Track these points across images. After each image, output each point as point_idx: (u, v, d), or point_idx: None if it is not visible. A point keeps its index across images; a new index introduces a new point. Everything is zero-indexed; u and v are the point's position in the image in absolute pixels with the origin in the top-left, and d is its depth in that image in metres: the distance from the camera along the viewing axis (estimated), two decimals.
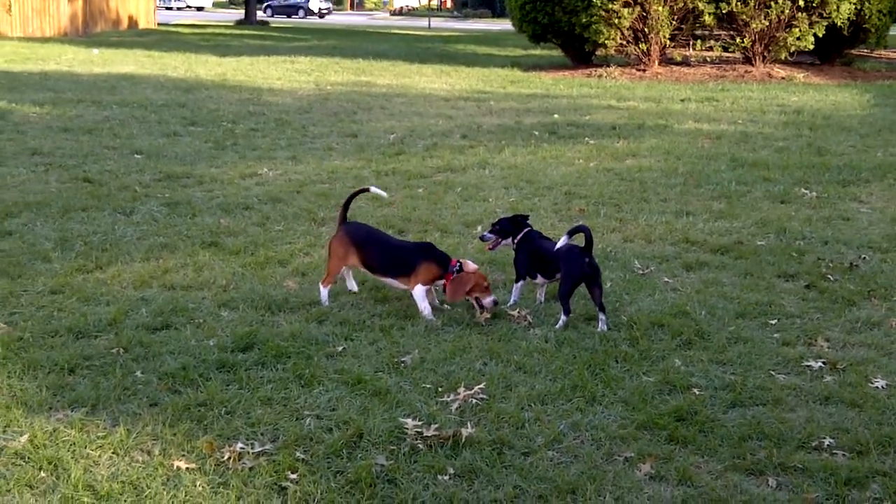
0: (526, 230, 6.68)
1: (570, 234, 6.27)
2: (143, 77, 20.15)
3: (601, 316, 6.21)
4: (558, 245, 6.26)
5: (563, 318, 6.20)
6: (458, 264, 6.36)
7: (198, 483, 4.21)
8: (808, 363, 5.65)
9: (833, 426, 4.87)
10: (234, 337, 5.81)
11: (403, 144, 12.67)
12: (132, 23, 42.13)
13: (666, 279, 7.19)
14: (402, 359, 5.59)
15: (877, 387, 5.33)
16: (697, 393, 5.23)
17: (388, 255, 6.46)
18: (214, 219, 8.66)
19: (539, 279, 6.60)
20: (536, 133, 13.71)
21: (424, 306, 6.32)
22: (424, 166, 11.20)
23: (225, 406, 4.93)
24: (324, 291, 6.53)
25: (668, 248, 8.00)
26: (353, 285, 6.84)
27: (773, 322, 6.33)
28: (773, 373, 5.53)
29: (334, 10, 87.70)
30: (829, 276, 7.24)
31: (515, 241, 6.68)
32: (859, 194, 9.95)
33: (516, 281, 6.66)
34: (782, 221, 8.78)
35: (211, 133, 13.24)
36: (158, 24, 45.25)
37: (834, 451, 4.61)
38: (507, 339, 5.94)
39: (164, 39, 32.69)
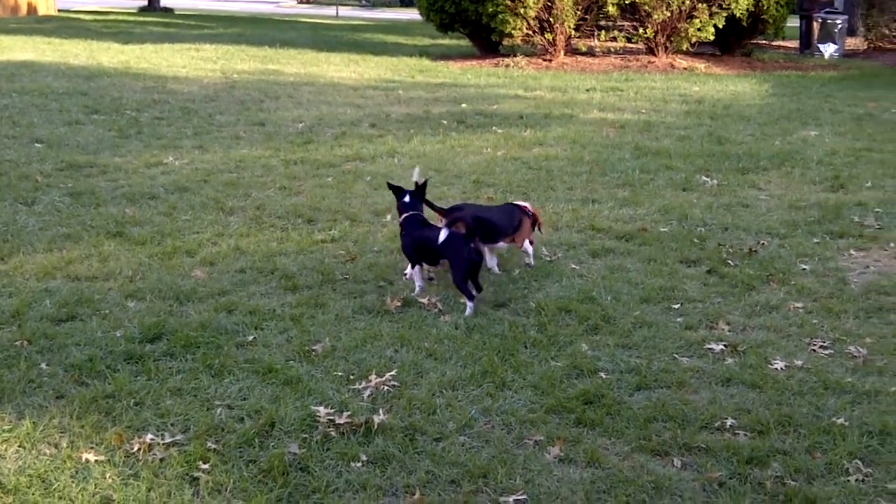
0: (409, 213, 6.74)
1: (449, 224, 6.42)
2: (44, 65, 19.72)
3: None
4: (440, 238, 6.33)
5: (468, 304, 6.28)
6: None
7: (107, 475, 4.19)
8: (710, 346, 5.80)
9: (735, 407, 5.02)
10: (141, 328, 5.77)
11: (312, 133, 12.62)
12: (31, 9, 41.13)
13: (573, 266, 7.30)
14: (313, 347, 5.61)
15: (776, 368, 5.50)
16: (604, 377, 5.34)
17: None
18: (119, 208, 8.55)
19: (426, 266, 6.71)
20: (445, 122, 13.77)
21: None
22: (333, 155, 11.18)
23: (133, 397, 4.91)
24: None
25: (575, 236, 8.11)
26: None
27: (676, 306, 6.47)
28: (676, 356, 5.67)
29: None
30: (730, 262, 7.42)
31: (400, 220, 6.78)
32: (758, 181, 10.19)
33: (412, 267, 6.73)
34: (684, 208, 8.96)
35: (114, 121, 13.03)
36: (59, 11, 44.26)
37: (736, 431, 4.75)
38: (417, 327, 5.99)
39: (64, 26, 31.97)
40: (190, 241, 7.65)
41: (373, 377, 5.19)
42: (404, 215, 6.77)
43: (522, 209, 7.14)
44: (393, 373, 5.26)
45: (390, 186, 6.95)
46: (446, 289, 6.65)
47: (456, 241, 6.33)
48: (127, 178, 9.75)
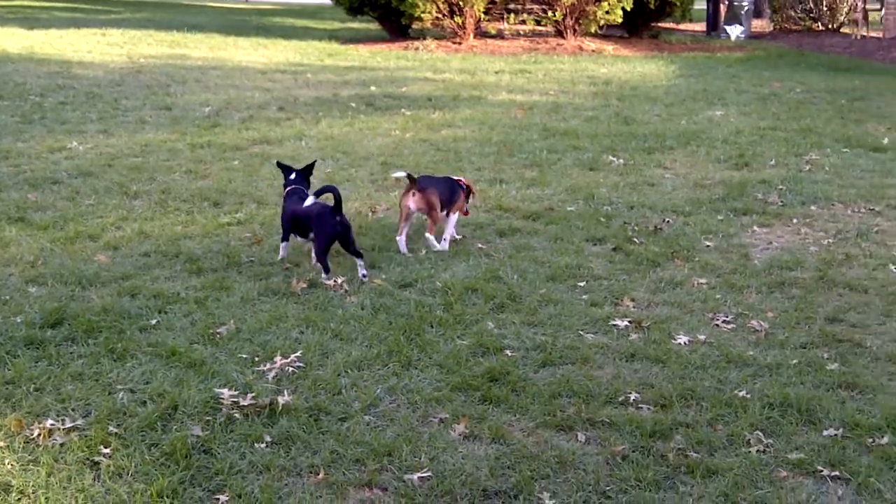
0: (291, 187, 6.98)
1: (318, 194, 6.62)
2: None
3: (359, 262, 6.55)
4: (305, 204, 6.55)
5: (323, 276, 6.42)
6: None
7: (6, 461, 4.11)
8: (615, 322, 5.86)
9: (638, 382, 5.08)
10: (42, 313, 5.66)
11: (219, 117, 12.48)
12: None
13: (480, 245, 7.33)
14: (218, 330, 5.55)
15: (679, 343, 5.58)
16: (510, 354, 5.37)
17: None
18: (21, 194, 8.38)
19: (299, 239, 6.85)
20: (353, 105, 13.71)
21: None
22: (240, 139, 11.08)
23: (34, 383, 4.82)
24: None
25: (483, 216, 8.15)
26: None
27: (582, 284, 6.53)
28: (581, 332, 5.72)
29: None
30: (635, 239, 7.51)
31: (283, 194, 7.08)
32: (664, 161, 10.32)
33: (282, 239, 6.88)
34: (591, 188, 9.04)
35: (17, 107, 12.76)
36: None
37: (639, 406, 4.81)
38: (323, 308, 5.97)
39: None
40: (93, 225, 7.53)
41: (278, 359, 5.15)
42: (287, 189, 6.99)
43: (458, 181, 7.51)
44: (298, 354, 5.23)
45: (279, 165, 7.33)
46: (351, 270, 6.62)
47: (323, 215, 6.49)
48: (29, 163, 9.56)
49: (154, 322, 5.65)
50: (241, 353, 5.27)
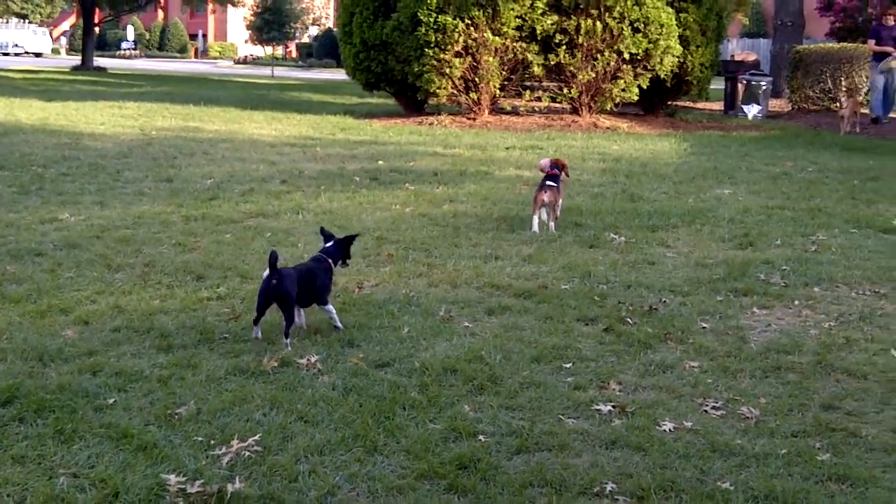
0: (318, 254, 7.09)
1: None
2: None
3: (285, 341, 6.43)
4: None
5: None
6: None
7: None
8: (598, 407, 5.57)
9: (617, 471, 4.78)
10: None
11: (219, 189, 12.34)
12: None
13: (466, 324, 7.07)
14: (177, 410, 5.29)
15: (664, 430, 5.28)
16: (483, 440, 5.08)
17: None
18: (0, 265, 8.19)
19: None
20: (357, 179, 13.56)
21: None
22: (237, 211, 10.90)
23: None
24: None
25: (473, 293, 7.89)
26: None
27: (568, 366, 6.25)
28: (562, 417, 5.43)
29: (180, 58, 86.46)
30: (629, 320, 7.23)
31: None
32: (667, 239, 10.06)
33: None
34: (588, 266, 8.78)
35: (17, 177, 12.67)
36: None
37: (616, 497, 4.52)
38: (292, 388, 5.70)
39: None
40: (68, 298, 7.30)
41: (235, 442, 4.88)
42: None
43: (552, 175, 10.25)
44: (257, 437, 4.95)
45: (322, 231, 7.36)
46: (328, 347, 6.38)
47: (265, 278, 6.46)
48: (17, 234, 9.39)
49: (111, 401, 5.39)
50: (198, 435, 5.00)
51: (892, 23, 24.16)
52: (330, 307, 6.78)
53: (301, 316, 6.80)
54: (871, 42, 24.68)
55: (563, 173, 10.55)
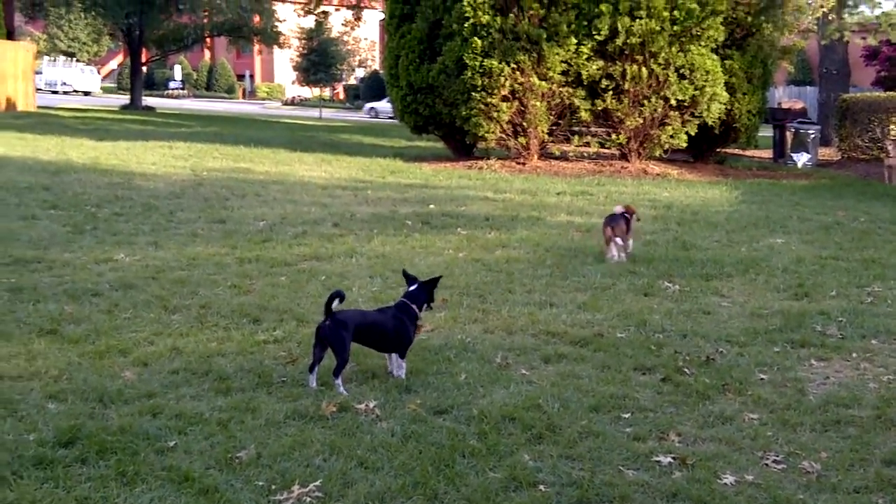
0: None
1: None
2: (10, 159, 19.56)
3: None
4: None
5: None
6: None
7: None
8: (658, 458, 5.52)
9: None
10: (56, 431, 5.44)
11: (272, 231, 12.42)
12: (10, 105, 41.15)
13: (523, 371, 7.04)
14: (238, 454, 5.30)
15: (725, 483, 5.22)
16: (543, 489, 5.05)
17: None
18: (58, 305, 8.26)
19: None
20: (409, 222, 13.59)
21: None
22: (290, 254, 10.96)
23: None
24: None
25: (529, 340, 7.87)
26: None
27: (627, 416, 6.20)
28: (622, 468, 5.38)
29: (228, 98, 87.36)
30: (686, 370, 7.17)
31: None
32: (721, 288, 9.98)
33: None
34: (643, 314, 8.73)
35: (71, 217, 12.81)
36: (39, 107, 44.32)
37: None
38: (351, 434, 5.70)
39: (40, 122, 31.98)
40: (126, 340, 7.35)
41: (295, 488, 4.88)
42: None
43: (625, 214, 11.35)
44: (318, 483, 4.95)
45: (404, 274, 7.31)
46: (385, 393, 6.37)
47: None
48: (73, 273, 9.48)
49: (172, 444, 5.41)
50: (258, 480, 5.01)
51: None
52: (403, 362, 6.79)
53: (389, 361, 6.85)
54: None
55: (633, 217, 11.49)
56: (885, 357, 7.77)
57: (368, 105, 66.60)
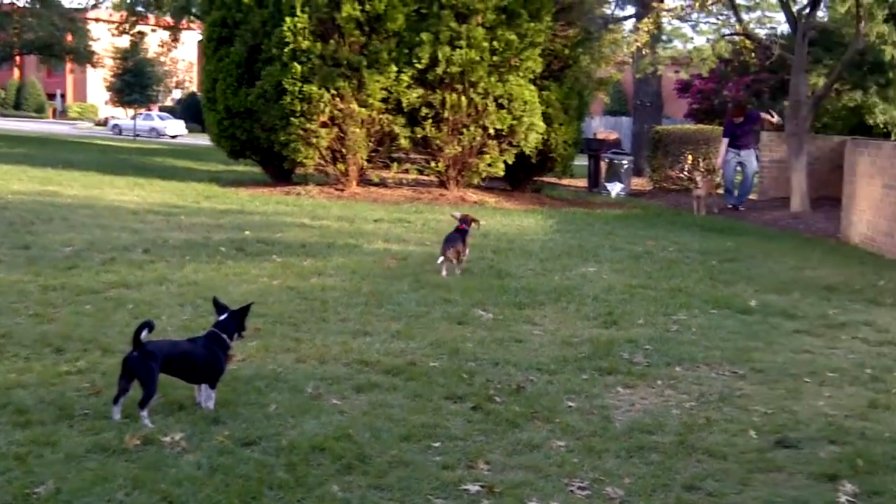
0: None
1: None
2: None
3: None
4: None
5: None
6: None
7: None
8: (467, 487, 5.55)
9: None
10: None
11: (79, 258, 12.02)
12: None
13: (335, 401, 7.00)
14: (36, 490, 5.09)
15: None
16: None
17: None
18: None
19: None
20: (223, 249, 13.37)
21: None
22: (97, 281, 10.62)
23: None
24: None
25: (342, 369, 7.83)
26: None
27: (437, 445, 6.22)
28: (430, 497, 5.40)
29: (37, 118, 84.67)
30: (496, 398, 7.25)
31: None
32: (533, 316, 10.16)
33: None
34: (457, 342, 8.80)
35: None
36: None
37: None
38: (156, 467, 5.53)
39: None
40: None
41: None
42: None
43: (461, 229, 12.53)
44: None
45: (215, 302, 7.16)
46: (193, 425, 6.24)
47: None
48: None
49: None
50: None
51: (741, 119, 24.41)
52: (213, 392, 6.65)
53: (199, 392, 6.70)
54: (724, 141, 24.71)
55: (471, 226, 12.90)
56: (688, 384, 8.03)
57: (113, 122, 67.11)
